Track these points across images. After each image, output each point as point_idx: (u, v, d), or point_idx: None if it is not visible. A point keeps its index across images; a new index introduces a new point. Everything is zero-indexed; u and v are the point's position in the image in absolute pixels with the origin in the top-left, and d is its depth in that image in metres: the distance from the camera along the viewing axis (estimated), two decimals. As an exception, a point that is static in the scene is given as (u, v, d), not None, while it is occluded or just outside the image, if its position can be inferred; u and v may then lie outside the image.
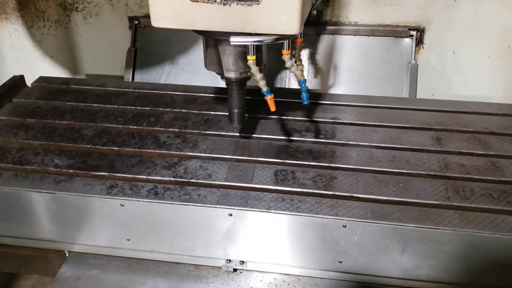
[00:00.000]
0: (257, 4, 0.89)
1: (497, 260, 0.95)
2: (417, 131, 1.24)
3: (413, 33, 1.58)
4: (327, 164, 1.11)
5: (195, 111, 1.32)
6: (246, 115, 1.22)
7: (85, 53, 1.84)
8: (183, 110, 1.32)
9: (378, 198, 1.02)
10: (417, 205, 1.00)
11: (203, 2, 0.91)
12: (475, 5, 1.54)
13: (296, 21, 0.90)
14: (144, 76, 1.69)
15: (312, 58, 1.64)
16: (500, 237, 0.92)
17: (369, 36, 1.61)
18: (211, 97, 1.38)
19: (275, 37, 0.94)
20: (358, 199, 1.02)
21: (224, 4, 0.90)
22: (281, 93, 1.37)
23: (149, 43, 1.70)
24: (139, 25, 1.70)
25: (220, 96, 1.38)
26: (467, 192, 1.03)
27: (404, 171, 1.09)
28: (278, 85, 1.63)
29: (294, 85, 1.65)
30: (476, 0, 1.53)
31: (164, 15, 0.93)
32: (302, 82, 1.05)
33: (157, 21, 0.94)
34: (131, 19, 1.71)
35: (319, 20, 1.62)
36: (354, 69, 1.61)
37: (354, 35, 1.62)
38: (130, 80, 1.69)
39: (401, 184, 1.05)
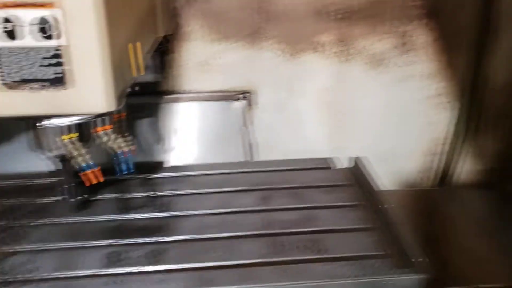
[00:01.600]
0: (65, 89, 0.94)
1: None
2: (246, 193, 1.35)
3: (241, 96, 1.75)
4: (160, 239, 1.16)
5: (27, 200, 1.29)
6: (82, 197, 1.25)
7: None
8: (13, 201, 1.28)
9: (206, 265, 1.09)
10: (241, 266, 1.09)
11: (17, 89, 0.93)
12: (291, 68, 1.75)
13: (108, 100, 0.95)
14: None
15: (153, 126, 1.71)
16: (308, 285, 1.03)
17: (203, 101, 1.74)
18: (45, 183, 1.37)
19: (90, 116, 0.99)
20: (187, 269, 1.07)
21: (34, 91, 0.94)
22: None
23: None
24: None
25: (55, 179, 1.37)
26: (285, 246, 1.15)
27: (232, 234, 1.19)
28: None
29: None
30: (291, 66, 1.75)
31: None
32: (120, 154, 1.11)
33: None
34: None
35: (157, 90, 1.72)
36: (192, 133, 1.72)
37: (191, 101, 1.74)
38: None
39: (228, 248, 1.14)
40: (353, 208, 1.29)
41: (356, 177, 1.43)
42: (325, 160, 1.53)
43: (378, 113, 1.84)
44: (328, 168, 1.49)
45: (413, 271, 1.05)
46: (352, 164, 1.48)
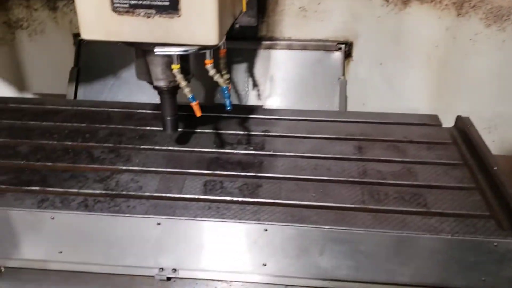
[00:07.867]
0: (178, 16, 0.96)
1: (409, 257, 1.03)
2: (341, 141, 1.32)
3: (342, 46, 1.69)
4: (254, 174, 1.18)
5: (131, 127, 1.36)
6: (181, 129, 1.29)
7: (31, 70, 1.86)
8: (119, 126, 1.36)
9: (298, 203, 1.09)
10: (334, 209, 1.07)
11: (128, 15, 0.97)
12: (397, 20, 1.65)
13: (214, 33, 0.98)
14: (88, 89, 1.71)
15: (250, 71, 1.71)
16: (406, 236, 1.00)
17: (301, 50, 1.70)
18: (148, 113, 1.43)
19: (197, 47, 1.01)
20: (279, 204, 1.08)
21: (148, 17, 0.97)
22: (218, 109, 1.43)
23: (93, 59, 1.73)
24: (83, 41, 1.73)
25: (157, 112, 1.43)
26: (381, 196, 1.11)
27: (325, 178, 1.17)
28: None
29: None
30: (398, 15, 1.65)
31: (93, 28, 1.00)
32: (225, 89, 1.13)
33: (87, 34, 1.00)
34: (75, 35, 1.75)
35: (255, 36, 1.71)
36: (288, 81, 1.70)
37: (288, 49, 1.71)
38: (73, 97, 1.72)
39: (321, 190, 1.12)
40: (456, 167, 1.22)
41: (460, 136, 1.34)
42: (428, 116, 1.45)
43: (490, 74, 1.69)
44: (433, 125, 1.41)
45: (521, 235, 0.97)
46: (456, 124, 1.39)
